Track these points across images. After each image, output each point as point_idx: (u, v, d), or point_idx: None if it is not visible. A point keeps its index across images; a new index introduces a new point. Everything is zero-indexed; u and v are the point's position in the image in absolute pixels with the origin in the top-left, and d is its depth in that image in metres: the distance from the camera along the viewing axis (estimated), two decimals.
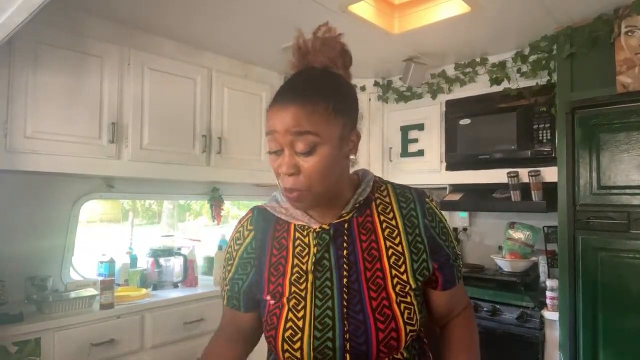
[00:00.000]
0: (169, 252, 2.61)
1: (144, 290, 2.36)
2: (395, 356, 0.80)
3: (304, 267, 0.83)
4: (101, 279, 2.22)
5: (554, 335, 2.13)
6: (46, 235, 2.31)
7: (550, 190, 2.26)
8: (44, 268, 2.27)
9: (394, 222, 0.85)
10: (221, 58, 2.66)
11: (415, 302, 0.81)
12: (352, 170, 0.91)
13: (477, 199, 2.65)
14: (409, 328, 0.79)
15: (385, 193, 0.89)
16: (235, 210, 4.04)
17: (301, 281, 0.82)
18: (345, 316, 0.79)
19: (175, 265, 2.60)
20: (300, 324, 0.79)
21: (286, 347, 0.79)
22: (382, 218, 0.86)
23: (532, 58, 2.36)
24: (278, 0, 1.96)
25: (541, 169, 2.31)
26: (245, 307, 0.89)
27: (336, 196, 0.85)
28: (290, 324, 0.80)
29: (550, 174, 2.26)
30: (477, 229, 3.01)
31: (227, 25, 2.25)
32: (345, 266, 0.82)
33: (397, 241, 0.84)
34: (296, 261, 0.84)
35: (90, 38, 2.11)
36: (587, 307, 2.00)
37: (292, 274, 0.83)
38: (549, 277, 2.42)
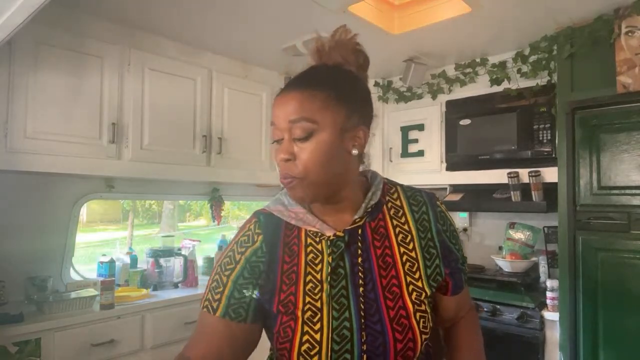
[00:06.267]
0: (169, 252, 2.61)
1: (144, 291, 2.36)
2: None
3: (318, 276, 0.78)
4: (101, 279, 2.22)
5: (554, 335, 2.13)
6: (46, 235, 2.31)
7: (550, 190, 2.26)
8: (44, 268, 2.26)
9: (406, 227, 0.82)
10: (221, 58, 2.66)
11: (428, 310, 0.79)
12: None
13: (477, 199, 2.65)
14: (423, 337, 0.77)
15: (395, 196, 0.86)
16: (236, 210, 4.04)
17: (315, 291, 0.78)
18: (363, 327, 0.75)
19: (175, 265, 2.60)
20: (318, 336, 0.75)
21: None
22: (395, 222, 0.83)
23: (532, 58, 2.36)
24: (278, 1, 1.95)
25: (541, 169, 2.31)
26: (253, 318, 0.80)
27: (342, 197, 0.81)
28: (306, 337, 0.75)
29: (550, 174, 2.26)
30: (477, 229, 3.01)
31: (227, 25, 2.25)
32: (360, 274, 0.78)
33: (410, 246, 0.81)
34: (309, 269, 0.79)
35: (90, 38, 2.11)
36: (587, 307, 2.00)
37: (306, 284, 0.78)
38: (549, 277, 2.42)
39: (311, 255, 0.80)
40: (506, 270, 2.50)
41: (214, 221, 3.00)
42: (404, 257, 0.80)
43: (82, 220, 2.51)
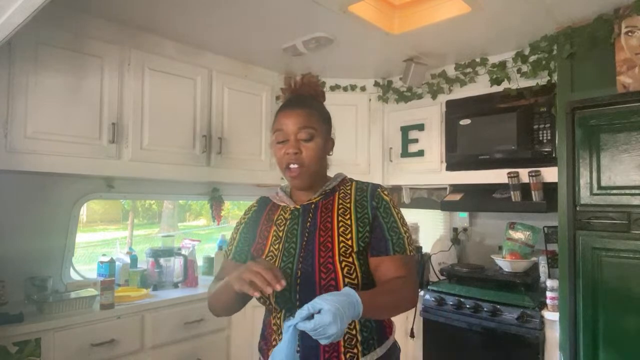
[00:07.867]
0: (169, 252, 2.61)
1: (144, 290, 2.36)
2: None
3: (280, 234, 1.17)
4: (101, 279, 2.23)
5: (554, 335, 2.13)
6: (46, 235, 2.31)
7: (550, 190, 2.26)
8: (44, 268, 2.27)
9: (348, 205, 1.16)
10: (221, 58, 2.66)
11: (356, 263, 1.08)
12: (334, 173, 1.24)
13: (477, 199, 2.65)
14: (347, 280, 1.06)
15: (348, 187, 1.20)
16: (236, 210, 4.04)
17: (276, 242, 1.16)
18: (299, 267, 1.09)
19: (175, 265, 2.60)
20: None
21: None
22: (340, 202, 1.17)
23: (532, 58, 2.36)
24: (278, 1, 1.96)
25: (541, 169, 2.31)
26: (246, 260, 1.20)
27: (317, 185, 1.18)
28: None
29: (550, 174, 2.26)
30: (477, 229, 3.02)
31: (227, 25, 2.25)
32: (306, 234, 1.13)
33: (347, 217, 1.13)
34: (275, 228, 1.19)
35: (90, 38, 2.11)
36: (587, 307, 2.00)
37: (272, 237, 1.18)
38: (549, 277, 2.42)
39: (279, 220, 1.20)
40: (506, 270, 2.50)
41: (214, 221, 3.01)
42: (340, 224, 1.12)
43: (82, 220, 2.51)
